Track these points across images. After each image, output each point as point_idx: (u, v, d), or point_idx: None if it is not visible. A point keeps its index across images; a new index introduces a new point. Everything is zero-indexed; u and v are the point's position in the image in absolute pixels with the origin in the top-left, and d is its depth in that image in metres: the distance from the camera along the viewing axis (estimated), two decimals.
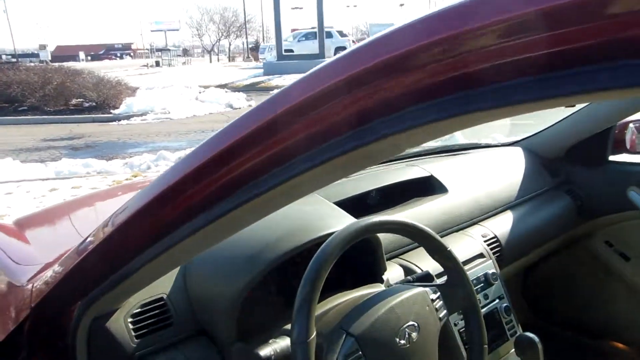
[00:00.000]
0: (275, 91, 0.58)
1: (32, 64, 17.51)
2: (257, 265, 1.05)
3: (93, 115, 12.55)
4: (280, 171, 0.58)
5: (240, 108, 13.29)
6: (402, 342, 0.96)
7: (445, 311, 1.06)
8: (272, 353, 0.93)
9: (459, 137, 2.25)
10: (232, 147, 0.60)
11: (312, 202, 1.39)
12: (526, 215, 1.74)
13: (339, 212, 1.29)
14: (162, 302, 1.08)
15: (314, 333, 0.88)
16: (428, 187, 1.68)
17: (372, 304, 0.99)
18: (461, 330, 1.36)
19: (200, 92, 14.97)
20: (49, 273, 1.04)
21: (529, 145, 2.04)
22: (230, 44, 53.49)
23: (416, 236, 1.07)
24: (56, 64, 18.08)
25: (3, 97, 13.14)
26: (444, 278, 1.12)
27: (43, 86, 13.14)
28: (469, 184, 1.71)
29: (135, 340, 1.02)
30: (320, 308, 1.04)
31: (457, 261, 1.09)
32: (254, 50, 40.44)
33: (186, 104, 13.46)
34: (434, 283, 1.11)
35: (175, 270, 1.14)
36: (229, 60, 45.89)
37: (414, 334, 0.98)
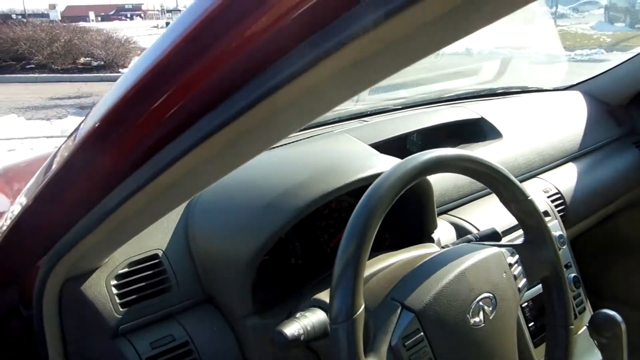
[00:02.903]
0: None
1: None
2: (279, 216, 0.80)
3: (101, 75, 12.24)
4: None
5: None
6: (476, 320, 0.72)
7: (524, 280, 0.81)
8: (302, 332, 0.68)
9: (504, 79, 1.96)
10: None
11: (343, 142, 1.13)
12: (592, 169, 1.47)
13: (377, 153, 1.04)
14: (157, 261, 0.84)
15: (362, 307, 0.64)
16: (478, 131, 1.41)
17: (434, 269, 0.73)
18: (523, 305, 1.12)
19: None
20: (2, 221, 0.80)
21: (588, 90, 1.75)
22: None
23: (491, 179, 0.81)
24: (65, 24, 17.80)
25: (10, 54, 12.85)
26: (520, 237, 0.87)
27: (50, 43, 12.83)
28: (525, 130, 1.44)
29: (121, 310, 0.78)
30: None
31: (540, 215, 0.83)
32: None
33: None
34: (510, 243, 0.85)
35: (174, 221, 0.89)
36: None
37: (489, 310, 0.73)
